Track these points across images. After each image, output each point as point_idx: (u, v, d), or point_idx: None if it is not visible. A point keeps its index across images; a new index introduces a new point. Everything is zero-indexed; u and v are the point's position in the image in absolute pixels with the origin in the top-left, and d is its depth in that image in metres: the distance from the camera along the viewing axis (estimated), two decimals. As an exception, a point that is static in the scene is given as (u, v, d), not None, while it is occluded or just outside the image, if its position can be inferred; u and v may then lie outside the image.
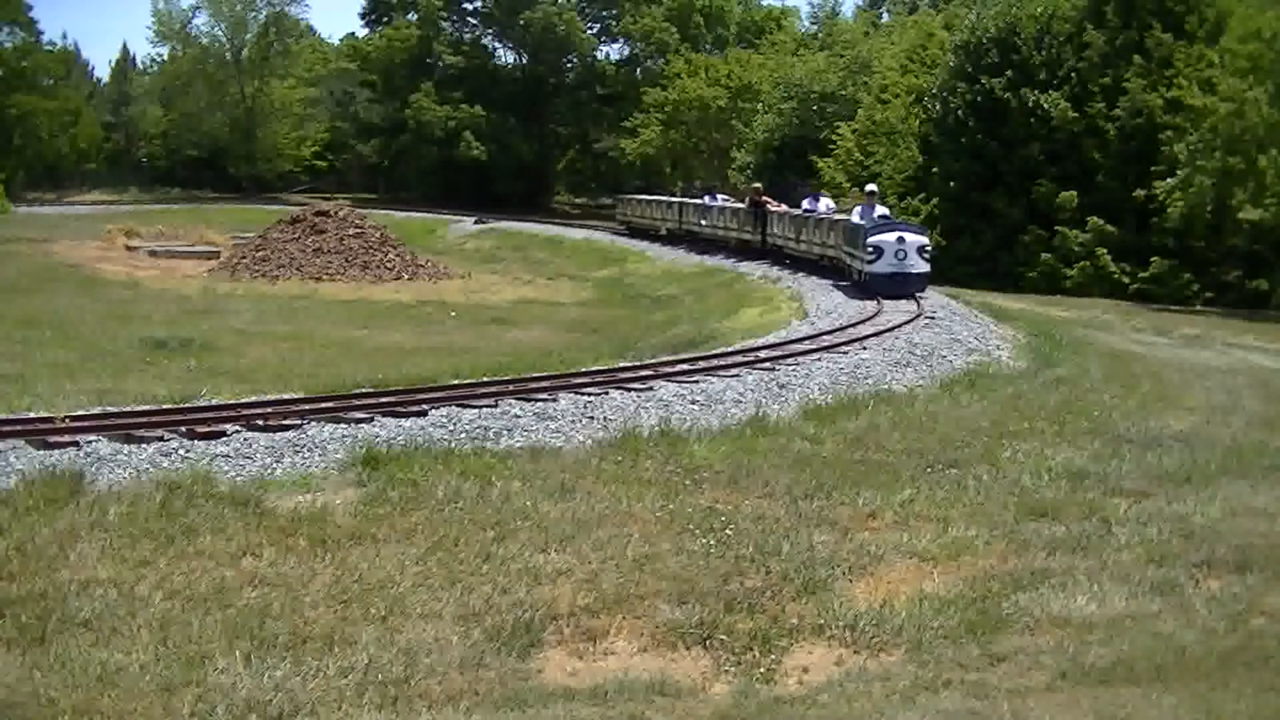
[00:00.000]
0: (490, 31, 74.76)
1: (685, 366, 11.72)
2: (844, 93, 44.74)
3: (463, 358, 14.85)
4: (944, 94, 35.80)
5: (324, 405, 9.12)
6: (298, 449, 7.76)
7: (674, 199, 36.72)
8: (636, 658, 5.12)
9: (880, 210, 20.65)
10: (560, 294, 27.42)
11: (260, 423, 8.30)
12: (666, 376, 11.10)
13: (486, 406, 9.29)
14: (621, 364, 11.96)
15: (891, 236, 18.65)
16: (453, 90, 68.36)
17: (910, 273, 18.53)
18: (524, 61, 73.49)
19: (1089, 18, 33.06)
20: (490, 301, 25.29)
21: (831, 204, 24.82)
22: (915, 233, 19.36)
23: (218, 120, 74.70)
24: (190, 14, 75.87)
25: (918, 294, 18.16)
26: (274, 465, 7.44)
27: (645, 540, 6.21)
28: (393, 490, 6.77)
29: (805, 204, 24.78)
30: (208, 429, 8.02)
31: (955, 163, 34.89)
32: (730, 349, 13.70)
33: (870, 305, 17.25)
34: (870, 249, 18.62)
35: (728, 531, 6.42)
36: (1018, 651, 5.20)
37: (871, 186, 23.22)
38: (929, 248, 19.39)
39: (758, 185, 29.18)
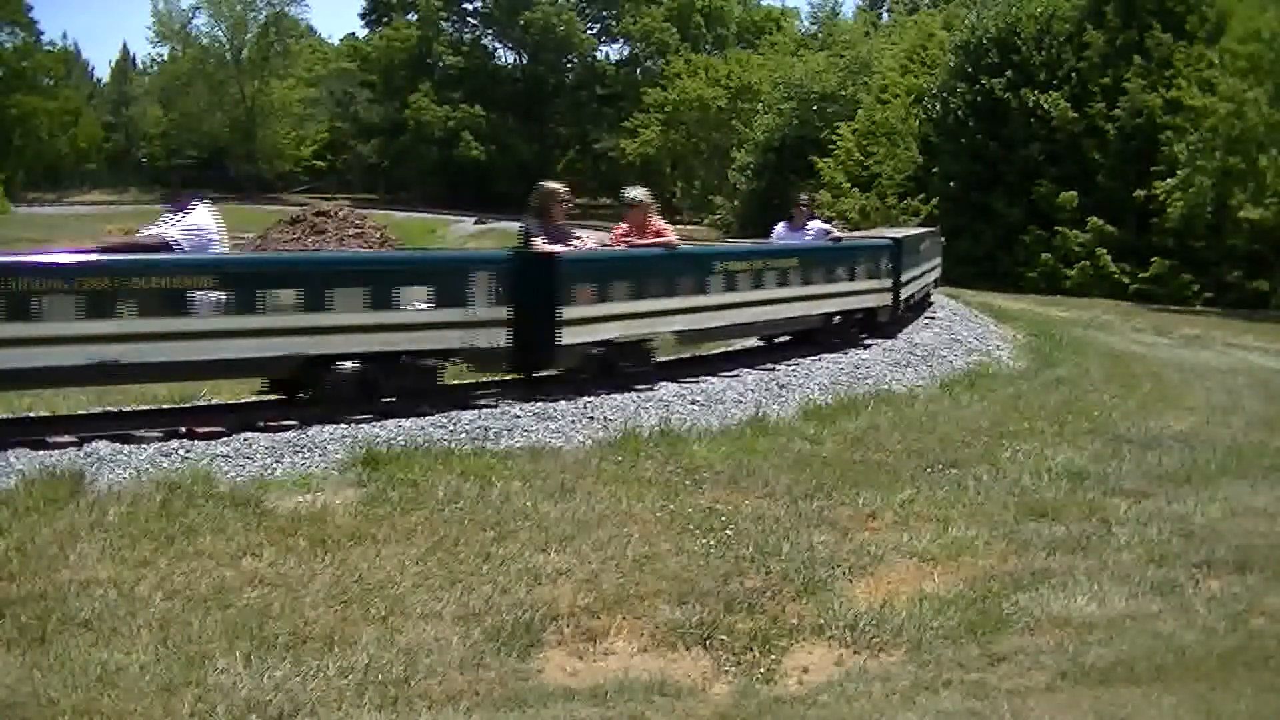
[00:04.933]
0: (490, 31, 74.95)
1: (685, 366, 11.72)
2: (844, 93, 44.84)
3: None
4: (944, 94, 35.85)
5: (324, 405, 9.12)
6: (298, 449, 7.75)
7: None
8: (636, 658, 5.11)
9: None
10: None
11: (260, 423, 8.30)
12: (666, 376, 11.09)
13: (487, 406, 9.29)
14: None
15: None
16: (453, 90, 68.53)
17: None
18: (524, 61, 73.64)
19: (1089, 18, 33.13)
20: (490, 301, 25.25)
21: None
22: None
23: (218, 120, 74.91)
24: (190, 14, 76.29)
25: None
26: (274, 465, 7.43)
27: (645, 540, 6.21)
28: (393, 490, 6.76)
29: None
30: (208, 429, 8.02)
31: (955, 163, 34.93)
32: (730, 349, 13.68)
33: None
34: None
35: (728, 531, 6.41)
36: (1018, 651, 5.20)
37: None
38: None
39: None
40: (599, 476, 7.29)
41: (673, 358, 12.51)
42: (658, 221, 11.30)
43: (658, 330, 10.80)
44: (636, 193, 11.46)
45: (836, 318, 13.37)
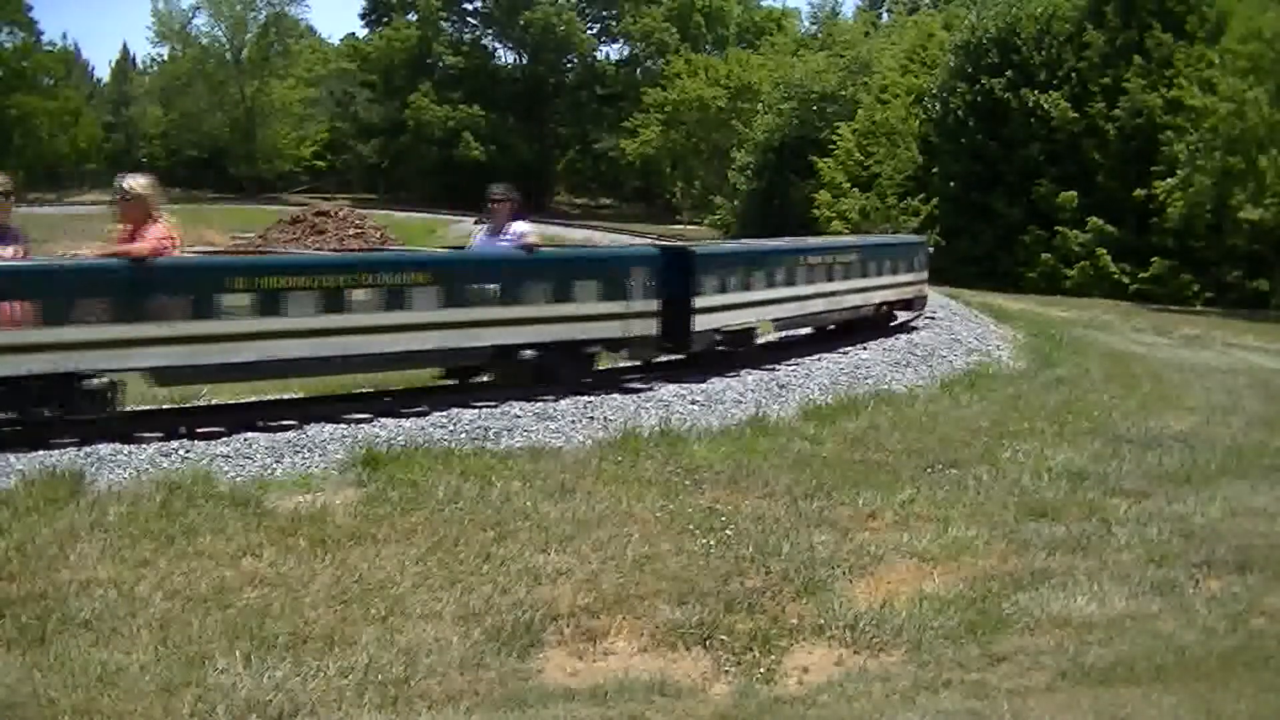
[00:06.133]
0: (490, 31, 74.92)
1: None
2: (844, 93, 44.84)
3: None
4: (944, 94, 35.86)
5: (324, 405, 9.13)
6: (298, 449, 7.77)
7: None
8: (636, 658, 5.11)
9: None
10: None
11: (260, 423, 8.31)
12: (666, 377, 11.09)
13: (487, 406, 9.29)
14: (622, 364, 11.95)
15: None
16: (453, 90, 68.53)
17: None
18: (524, 62, 73.62)
19: (1089, 18, 33.14)
20: (490, 301, 25.22)
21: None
22: None
23: (218, 120, 74.91)
24: (190, 14, 76.19)
25: None
26: (274, 465, 7.44)
27: (645, 540, 6.21)
28: (393, 490, 6.77)
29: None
30: (208, 429, 8.03)
31: (955, 163, 34.94)
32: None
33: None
34: None
35: (728, 531, 6.42)
36: (1018, 651, 5.20)
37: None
38: None
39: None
40: (599, 476, 7.30)
41: (672, 356, 12.41)
42: (153, 224, 8.36)
43: (108, 366, 8.04)
44: (130, 181, 8.50)
45: (527, 352, 10.14)
